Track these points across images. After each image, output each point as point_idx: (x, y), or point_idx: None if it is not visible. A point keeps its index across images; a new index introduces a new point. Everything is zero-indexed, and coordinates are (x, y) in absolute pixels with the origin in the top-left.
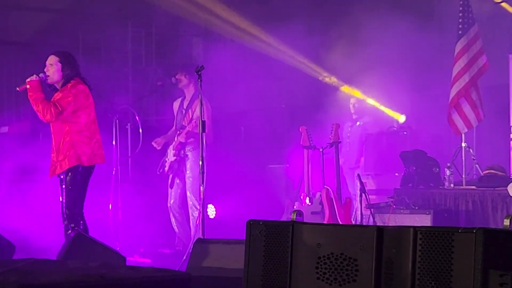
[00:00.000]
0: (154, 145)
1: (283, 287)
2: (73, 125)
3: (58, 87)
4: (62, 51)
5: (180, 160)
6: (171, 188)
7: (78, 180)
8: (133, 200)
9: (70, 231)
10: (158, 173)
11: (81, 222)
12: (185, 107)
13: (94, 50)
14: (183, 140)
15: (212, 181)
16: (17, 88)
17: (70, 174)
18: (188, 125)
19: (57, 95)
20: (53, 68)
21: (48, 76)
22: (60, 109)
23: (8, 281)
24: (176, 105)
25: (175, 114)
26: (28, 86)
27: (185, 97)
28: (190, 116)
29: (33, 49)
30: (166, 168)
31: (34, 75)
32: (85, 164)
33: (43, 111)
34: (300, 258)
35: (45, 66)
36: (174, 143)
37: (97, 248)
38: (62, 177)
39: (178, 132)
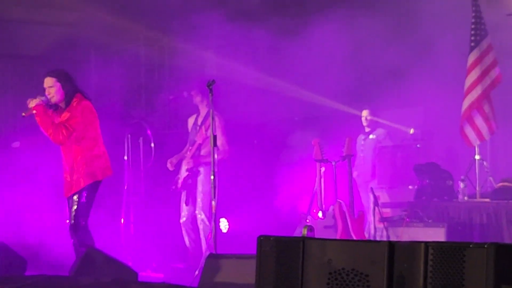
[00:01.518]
0: (168, 165)
1: None
2: (84, 142)
3: (62, 106)
4: (56, 71)
5: (193, 175)
6: (184, 204)
7: (85, 195)
8: (145, 215)
9: (79, 246)
10: (172, 189)
11: (87, 235)
12: (199, 123)
13: (106, 64)
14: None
15: (225, 195)
16: (23, 114)
17: (80, 191)
18: (198, 138)
19: (65, 115)
20: (53, 89)
21: (53, 97)
22: (71, 129)
23: None
24: (191, 121)
25: (190, 131)
26: (34, 112)
27: (199, 113)
28: (204, 132)
29: (44, 63)
30: (179, 185)
31: (38, 99)
32: (99, 178)
33: (54, 134)
34: (311, 274)
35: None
36: (186, 158)
37: (109, 263)
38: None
39: (189, 148)
